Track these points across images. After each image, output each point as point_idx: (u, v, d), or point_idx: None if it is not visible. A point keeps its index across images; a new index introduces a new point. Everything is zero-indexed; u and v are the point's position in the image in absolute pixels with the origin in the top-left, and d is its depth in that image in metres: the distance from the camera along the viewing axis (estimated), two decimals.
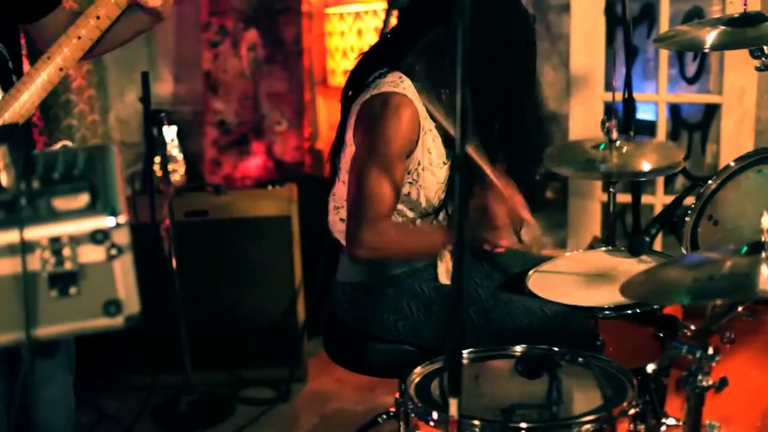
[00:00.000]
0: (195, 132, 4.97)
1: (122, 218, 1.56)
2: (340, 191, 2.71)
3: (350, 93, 2.74)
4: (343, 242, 2.74)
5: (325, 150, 5.10)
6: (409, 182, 2.62)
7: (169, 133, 4.64)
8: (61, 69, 2.26)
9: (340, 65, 4.75)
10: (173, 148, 4.65)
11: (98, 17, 2.26)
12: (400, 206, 2.65)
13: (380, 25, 4.65)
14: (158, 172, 3.99)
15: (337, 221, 2.76)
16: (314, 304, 4.07)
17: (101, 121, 4.78)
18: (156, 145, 3.79)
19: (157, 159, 4.00)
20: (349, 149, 2.64)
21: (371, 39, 4.68)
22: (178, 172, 4.68)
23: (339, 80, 4.79)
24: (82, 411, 3.87)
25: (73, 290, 1.57)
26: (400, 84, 2.56)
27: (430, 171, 2.63)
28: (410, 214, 2.70)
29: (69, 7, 2.58)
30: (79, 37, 2.26)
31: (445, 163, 2.67)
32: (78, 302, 1.58)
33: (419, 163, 2.61)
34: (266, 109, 4.89)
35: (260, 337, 4.09)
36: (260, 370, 4.12)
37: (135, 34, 2.53)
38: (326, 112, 5.10)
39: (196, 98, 4.97)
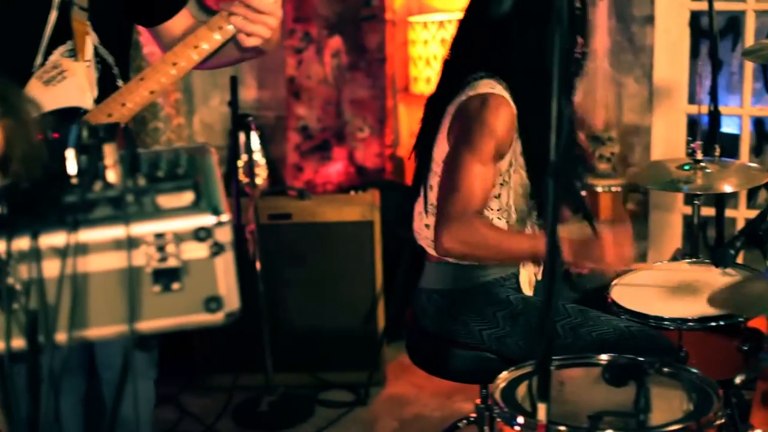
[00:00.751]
0: (277, 137, 5.03)
1: (225, 217, 1.61)
2: (430, 196, 2.74)
3: (439, 96, 2.76)
4: (429, 249, 2.77)
5: (406, 157, 5.13)
6: (500, 183, 2.64)
7: (253, 137, 4.71)
8: (152, 92, 2.29)
9: (423, 73, 4.78)
10: (256, 153, 4.72)
11: (196, 47, 2.29)
12: (490, 214, 2.67)
13: None
14: (243, 176, 4.06)
15: (422, 228, 2.79)
16: (394, 310, 4.09)
17: (186, 124, 4.88)
18: (242, 148, 3.86)
19: (241, 162, 4.07)
20: (440, 149, 2.67)
21: None
22: (260, 176, 4.74)
23: (421, 88, 4.82)
24: (165, 408, 3.95)
25: (175, 286, 1.62)
26: (496, 86, 2.59)
27: (520, 174, 2.66)
28: (502, 225, 2.70)
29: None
30: (174, 63, 2.28)
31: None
32: (180, 298, 1.63)
33: (511, 164, 2.63)
34: (349, 115, 4.94)
35: (340, 340, 4.13)
36: (340, 374, 4.17)
37: (234, 62, 2.54)
38: (408, 120, 5.13)
39: (280, 104, 5.04)
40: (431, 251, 2.77)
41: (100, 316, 1.62)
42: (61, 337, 1.61)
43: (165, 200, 1.62)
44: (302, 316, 4.13)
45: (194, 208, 1.61)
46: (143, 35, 4.24)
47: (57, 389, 1.67)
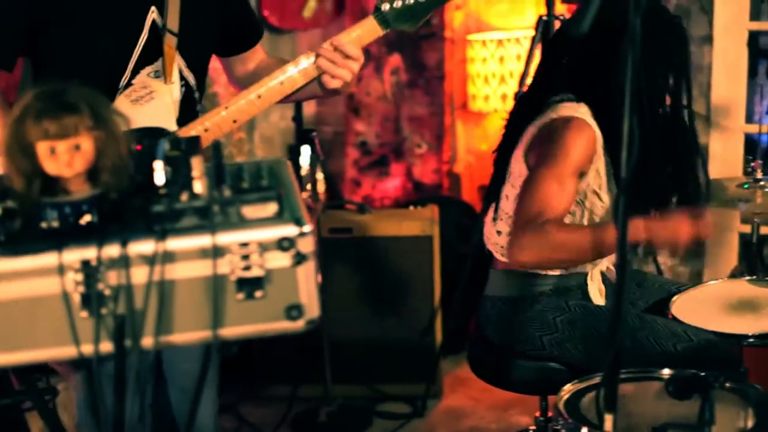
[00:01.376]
0: (336, 152, 5.10)
1: (307, 227, 1.67)
2: (503, 204, 2.79)
3: (520, 114, 2.82)
4: (497, 254, 2.82)
5: (462, 174, 5.19)
6: (577, 202, 2.68)
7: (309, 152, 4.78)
8: (234, 121, 2.39)
9: (481, 91, 4.83)
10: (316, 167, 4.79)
11: (282, 83, 2.38)
12: None
13: (522, 53, 4.72)
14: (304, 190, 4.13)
15: (493, 233, 2.84)
16: (452, 323, 4.14)
17: (247, 139, 4.96)
18: (307, 163, 3.93)
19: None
20: (518, 165, 2.72)
21: (513, 66, 4.75)
22: (319, 190, 4.81)
23: (479, 105, 4.87)
24: (224, 417, 4.02)
25: (258, 294, 1.69)
26: (578, 108, 2.64)
27: (598, 195, 2.70)
28: None
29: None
30: (259, 96, 2.38)
31: (611, 191, 2.73)
32: (263, 305, 1.70)
33: (588, 185, 2.67)
34: (407, 131, 5.00)
35: (398, 352, 4.18)
36: (397, 386, 4.21)
37: (310, 98, 2.62)
38: (465, 137, 5.19)
39: (338, 119, 5.10)
40: (499, 257, 2.82)
41: (184, 322, 1.69)
42: (147, 341, 1.68)
43: (250, 211, 1.69)
44: (361, 329, 4.18)
45: (278, 218, 1.68)
46: None
47: (143, 392, 1.73)
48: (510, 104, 4.77)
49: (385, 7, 2.39)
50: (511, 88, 4.75)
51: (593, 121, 2.64)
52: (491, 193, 2.90)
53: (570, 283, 2.83)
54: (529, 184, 2.61)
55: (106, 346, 1.68)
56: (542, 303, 2.79)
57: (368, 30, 2.39)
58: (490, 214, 2.88)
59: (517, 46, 4.78)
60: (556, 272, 2.80)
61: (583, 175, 2.65)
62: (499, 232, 2.80)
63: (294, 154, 4.06)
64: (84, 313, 1.66)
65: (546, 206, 2.55)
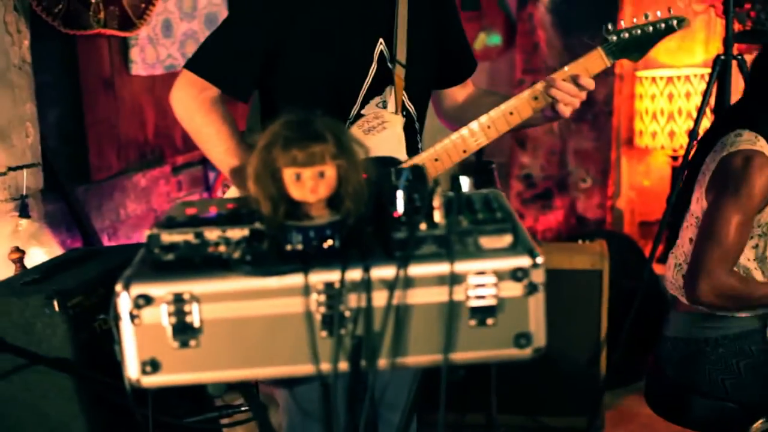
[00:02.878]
0: (501, 184, 5.15)
1: (540, 259, 1.73)
2: (683, 248, 2.80)
3: (700, 151, 2.84)
4: (681, 299, 2.83)
5: (625, 209, 5.19)
6: (759, 234, 2.68)
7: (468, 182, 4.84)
8: (464, 151, 2.45)
9: (649, 127, 4.83)
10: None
11: (512, 113, 2.43)
12: (747, 263, 2.71)
13: (691, 90, 4.72)
14: None
15: (678, 278, 2.85)
16: (617, 357, 4.13)
17: None
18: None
19: None
20: (698, 203, 2.74)
21: (682, 104, 4.74)
22: None
23: (646, 142, 4.87)
24: None
25: (490, 321, 1.75)
26: (756, 142, 2.65)
27: None
28: (758, 275, 2.75)
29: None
30: (489, 127, 2.44)
31: None
32: (493, 333, 1.76)
33: None
34: (572, 165, 5.03)
35: (562, 384, 4.19)
36: (560, 417, 4.22)
37: (528, 126, 2.67)
38: (629, 172, 5.19)
39: (503, 151, 5.16)
40: (684, 300, 2.83)
41: (418, 345, 1.76)
42: (382, 362, 1.75)
43: (487, 241, 1.75)
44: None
45: (513, 249, 1.74)
46: None
47: (374, 411, 1.81)
48: (678, 142, 4.76)
49: (613, 38, 2.43)
50: (680, 125, 4.74)
51: None
52: (673, 236, 2.92)
53: (752, 327, 2.83)
54: (711, 223, 2.62)
55: (343, 366, 1.76)
56: (724, 346, 2.79)
57: (595, 61, 2.42)
58: (673, 259, 2.88)
59: (686, 84, 4.77)
60: (739, 315, 2.79)
61: (762, 210, 2.66)
62: (684, 277, 2.82)
63: (455, 183, 4.13)
64: (324, 333, 1.74)
65: (727, 247, 2.57)
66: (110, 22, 3.70)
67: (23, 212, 2.97)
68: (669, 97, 4.77)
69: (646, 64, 5.07)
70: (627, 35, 2.43)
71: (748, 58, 4.31)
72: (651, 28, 2.44)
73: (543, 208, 5.09)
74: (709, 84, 4.03)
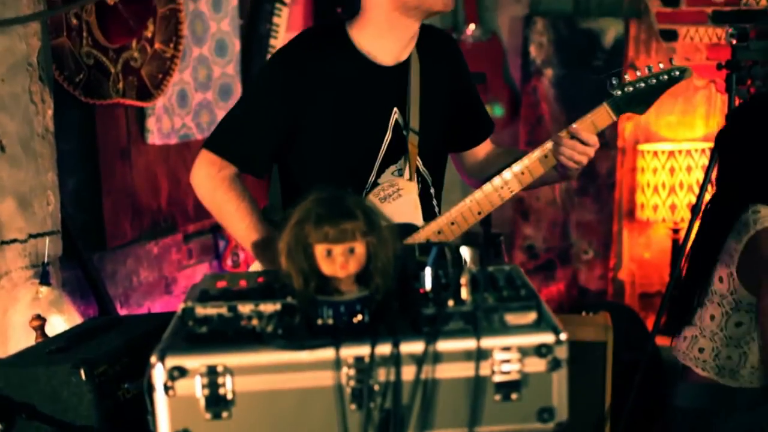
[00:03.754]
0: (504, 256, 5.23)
1: (563, 336, 1.80)
2: (701, 323, 2.85)
3: (713, 229, 2.88)
4: (697, 369, 2.87)
5: (626, 281, 5.26)
6: None
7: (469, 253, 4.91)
8: (479, 213, 2.52)
9: (650, 201, 4.92)
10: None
11: (523, 173, 2.51)
12: None
13: (692, 164, 4.82)
14: None
15: (694, 350, 2.89)
16: (620, 429, 4.16)
17: None
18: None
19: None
20: (724, 284, 2.78)
21: (683, 177, 4.84)
22: None
23: (647, 214, 4.95)
24: None
25: (514, 396, 1.81)
26: None
27: None
28: None
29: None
30: (502, 187, 2.51)
31: None
32: (517, 407, 1.81)
33: None
34: (574, 237, 5.11)
35: None
36: None
37: (543, 184, 2.74)
38: (630, 244, 5.27)
39: (506, 222, 5.24)
40: (699, 371, 2.86)
41: (444, 419, 1.81)
42: None
43: (512, 318, 1.82)
44: None
45: (537, 326, 1.81)
46: None
47: None
48: (680, 215, 4.84)
49: (618, 92, 2.50)
50: (681, 198, 4.83)
51: None
52: (685, 308, 2.96)
53: (764, 401, 2.87)
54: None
55: None
56: (736, 420, 2.84)
57: (601, 116, 2.50)
58: (690, 331, 2.92)
59: (687, 158, 4.87)
60: (753, 386, 2.84)
61: None
62: (701, 350, 2.86)
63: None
64: (353, 406, 1.79)
65: None
66: (129, 92, 3.79)
67: (44, 279, 3.02)
68: (670, 171, 4.86)
69: (648, 138, 5.17)
70: (631, 89, 2.50)
71: None
72: (654, 80, 2.52)
73: (545, 279, 5.16)
74: (712, 157, 4.11)
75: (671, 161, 4.87)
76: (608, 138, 5.05)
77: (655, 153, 4.92)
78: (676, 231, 4.92)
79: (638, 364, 3.94)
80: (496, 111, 5.25)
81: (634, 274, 5.29)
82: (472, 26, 5.24)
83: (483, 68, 5.21)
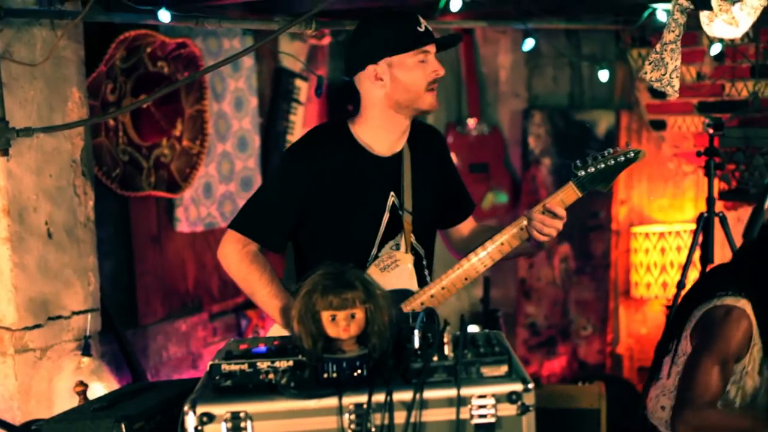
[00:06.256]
0: (507, 332, 5.52)
1: (530, 385, 2.14)
2: (666, 385, 3.15)
3: (691, 300, 3.19)
4: (661, 428, 3.17)
5: (624, 355, 5.56)
6: (732, 381, 3.03)
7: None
8: (466, 279, 2.87)
9: (644, 279, 5.23)
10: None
11: (502, 244, 2.85)
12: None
13: (682, 245, 5.16)
14: None
15: (658, 409, 3.18)
16: None
17: None
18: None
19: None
20: (684, 345, 3.09)
21: (673, 257, 5.16)
22: None
23: (641, 292, 5.26)
24: None
25: None
26: (740, 300, 3.02)
27: (751, 377, 3.05)
28: None
29: None
30: (486, 256, 2.85)
31: (760, 374, 3.08)
32: None
33: (744, 368, 3.03)
34: (573, 314, 5.44)
35: None
36: None
37: (519, 255, 3.07)
38: (627, 321, 5.57)
39: (510, 302, 5.56)
40: (663, 430, 3.16)
41: None
42: None
43: (487, 370, 2.17)
44: None
45: (509, 377, 2.16)
46: None
47: None
48: (671, 291, 5.14)
49: (581, 173, 2.84)
50: (672, 276, 5.14)
51: (752, 313, 3.02)
52: (656, 367, 3.26)
53: None
54: (691, 368, 2.97)
55: None
56: None
57: (568, 193, 2.83)
58: (654, 391, 3.22)
59: (677, 239, 5.21)
60: None
61: (740, 359, 3.02)
62: (663, 407, 3.15)
63: (462, 323, 4.49)
64: None
65: (705, 390, 2.92)
66: (159, 185, 4.18)
67: (86, 351, 3.39)
68: (661, 251, 5.19)
69: (642, 221, 5.51)
70: (593, 169, 2.82)
71: (732, 215, 4.75)
72: (612, 161, 2.84)
73: (547, 354, 5.46)
74: (694, 239, 4.43)
75: (662, 242, 5.20)
76: (603, 221, 5.40)
77: (647, 234, 5.25)
78: (669, 307, 5.20)
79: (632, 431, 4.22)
80: (500, 197, 5.60)
81: (632, 349, 5.57)
82: (474, 120, 5.61)
83: (486, 158, 5.57)
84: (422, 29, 2.76)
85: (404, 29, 2.76)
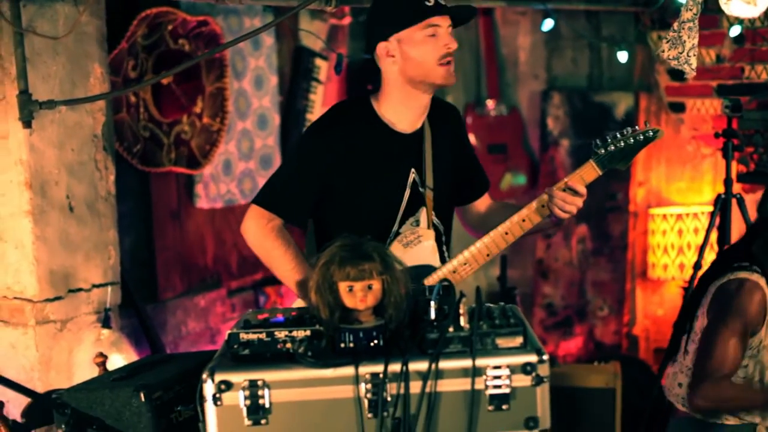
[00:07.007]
0: (524, 312, 5.54)
1: (545, 356, 2.16)
2: (684, 362, 3.18)
3: (708, 276, 3.21)
4: (677, 405, 3.19)
5: (640, 336, 5.58)
6: (749, 356, 3.05)
7: None
8: (488, 255, 2.89)
9: (661, 260, 5.25)
10: None
11: (524, 220, 2.88)
12: (736, 380, 3.08)
13: (699, 226, 5.16)
14: None
15: (675, 386, 3.21)
16: None
17: None
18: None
19: None
20: (699, 321, 3.12)
21: (691, 238, 5.17)
22: None
23: (658, 274, 5.28)
24: None
25: (505, 407, 2.17)
26: (754, 274, 3.04)
27: None
28: None
29: None
30: (506, 233, 2.88)
31: None
32: (507, 416, 2.18)
33: (761, 342, 3.05)
34: (590, 295, 5.45)
35: None
36: None
37: (538, 232, 3.10)
38: (643, 302, 5.58)
39: (528, 282, 5.58)
40: (680, 407, 3.18)
41: (446, 425, 2.18)
42: None
43: (502, 342, 2.19)
44: None
45: (523, 348, 2.18)
46: None
47: None
48: (688, 273, 5.16)
49: (601, 151, 2.86)
50: (689, 258, 5.15)
51: (765, 286, 3.04)
52: (674, 346, 3.29)
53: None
54: (707, 341, 3.00)
55: None
56: None
57: (588, 171, 2.85)
58: (672, 368, 3.25)
59: (694, 221, 5.21)
60: (730, 421, 3.13)
61: (755, 333, 3.04)
62: (680, 384, 3.18)
63: (478, 294, 4.51)
64: (370, 415, 2.16)
65: (722, 362, 2.94)
66: (180, 161, 4.22)
67: (105, 323, 3.43)
68: (679, 233, 5.20)
69: (659, 203, 5.51)
70: (613, 147, 2.85)
71: (749, 197, 4.74)
72: (632, 140, 2.86)
73: (564, 334, 5.48)
74: (711, 220, 4.44)
75: (679, 223, 5.20)
76: (620, 202, 5.40)
77: (665, 216, 5.26)
78: (686, 289, 5.21)
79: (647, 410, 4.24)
80: (518, 179, 5.61)
81: (648, 330, 5.59)
82: (493, 101, 5.61)
83: (504, 139, 5.59)
84: (430, 2, 2.75)
85: (409, 3, 2.77)
